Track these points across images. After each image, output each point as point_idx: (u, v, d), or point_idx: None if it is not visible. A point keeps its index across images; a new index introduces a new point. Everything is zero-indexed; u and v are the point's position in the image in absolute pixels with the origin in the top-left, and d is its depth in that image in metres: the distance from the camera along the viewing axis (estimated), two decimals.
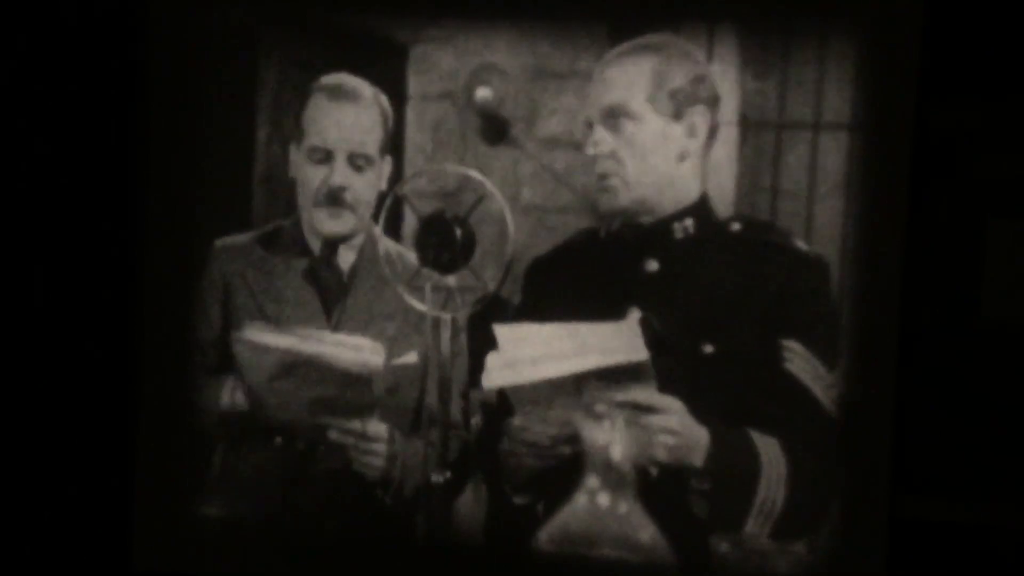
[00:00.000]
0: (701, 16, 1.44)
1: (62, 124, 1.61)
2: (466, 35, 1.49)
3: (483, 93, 1.50)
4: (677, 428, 1.39)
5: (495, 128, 1.50)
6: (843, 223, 1.41)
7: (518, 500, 1.47)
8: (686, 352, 1.42)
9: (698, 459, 1.39)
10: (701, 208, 1.45)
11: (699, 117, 1.43)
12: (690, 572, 1.42)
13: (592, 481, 1.43)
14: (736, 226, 1.45)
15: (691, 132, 1.43)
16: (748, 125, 1.44)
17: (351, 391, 1.45)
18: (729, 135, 1.45)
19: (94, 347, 1.63)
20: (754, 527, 1.40)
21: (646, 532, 1.43)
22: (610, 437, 1.41)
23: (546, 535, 1.46)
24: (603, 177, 1.44)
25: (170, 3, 1.52)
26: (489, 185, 1.41)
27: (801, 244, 1.43)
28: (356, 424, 1.47)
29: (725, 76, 1.44)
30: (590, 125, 1.45)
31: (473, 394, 1.47)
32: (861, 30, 1.39)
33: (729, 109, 1.44)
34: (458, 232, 1.40)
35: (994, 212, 1.48)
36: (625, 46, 1.44)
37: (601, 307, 1.44)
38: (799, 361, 1.41)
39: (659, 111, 1.42)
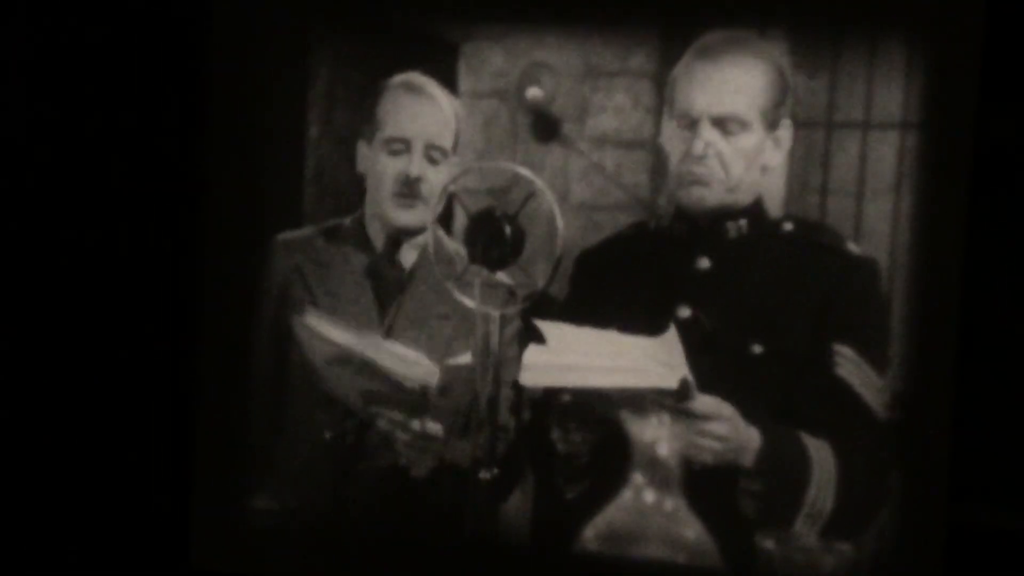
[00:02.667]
0: (753, 18, 1.43)
1: (123, 120, 1.62)
2: (517, 33, 1.50)
3: (534, 91, 1.50)
4: (728, 435, 1.38)
5: (545, 126, 1.50)
6: (893, 223, 1.41)
7: (570, 493, 1.47)
8: (735, 351, 1.41)
9: (748, 460, 1.39)
10: (755, 209, 1.44)
11: (785, 131, 1.43)
12: (735, 569, 1.42)
13: (638, 478, 1.43)
14: (788, 226, 1.45)
15: (777, 144, 1.43)
16: (798, 124, 1.43)
17: (404, 394, 1.46)
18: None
19: (151, 342, 1.63)
20: (803, 528, 1.39)
21: (691, 529, 1.43)
22: (657, 433, 1.42)
23: (592, 533, 1.46)
24: (700, 177, 1.42)
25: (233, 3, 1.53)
26: (539, 182, 1.40)
27: (852, 246, 1.42)
28: (415, 424, 1.47)
29: None
30: (693, 122, 1.42)
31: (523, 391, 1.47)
32: (922, 33, 1.38)
33: None
34: (508, 229, 1.40)
35: None
36: (718, 39, 1.42)
37: (650, 303, 1.44)
38: (849, 366, 1.39)
39: (763, 121, 1.41)
